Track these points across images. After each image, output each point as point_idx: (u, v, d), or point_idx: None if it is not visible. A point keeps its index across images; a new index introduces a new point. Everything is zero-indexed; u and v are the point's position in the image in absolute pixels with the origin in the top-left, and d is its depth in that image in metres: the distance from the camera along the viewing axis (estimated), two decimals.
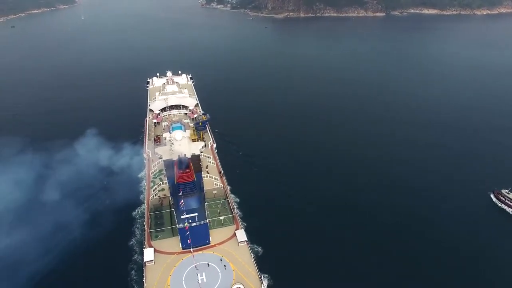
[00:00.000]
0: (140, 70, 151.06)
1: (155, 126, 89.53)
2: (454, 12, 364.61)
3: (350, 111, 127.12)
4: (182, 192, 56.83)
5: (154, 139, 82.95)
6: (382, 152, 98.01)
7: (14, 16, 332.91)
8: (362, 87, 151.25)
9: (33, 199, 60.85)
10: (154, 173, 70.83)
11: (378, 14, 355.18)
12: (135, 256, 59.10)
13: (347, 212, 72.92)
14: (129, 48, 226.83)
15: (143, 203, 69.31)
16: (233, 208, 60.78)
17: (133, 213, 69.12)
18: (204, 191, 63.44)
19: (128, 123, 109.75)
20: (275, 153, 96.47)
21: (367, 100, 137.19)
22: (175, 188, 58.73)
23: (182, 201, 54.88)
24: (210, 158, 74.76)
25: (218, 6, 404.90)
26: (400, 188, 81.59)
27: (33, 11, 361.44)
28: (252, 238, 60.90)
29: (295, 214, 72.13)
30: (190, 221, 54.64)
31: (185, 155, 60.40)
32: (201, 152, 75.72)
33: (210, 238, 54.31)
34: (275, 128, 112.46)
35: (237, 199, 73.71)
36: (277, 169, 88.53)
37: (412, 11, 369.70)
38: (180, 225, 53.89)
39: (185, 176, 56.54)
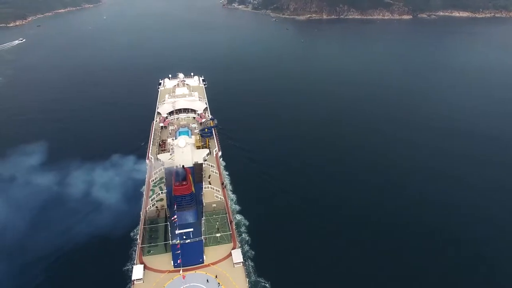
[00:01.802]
0: (156, 70, 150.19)
1: (162, 130, 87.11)
2: (488, 15, 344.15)
3: (377, 119, 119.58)
4: (177, 206, 53.59)
5: (159, 144, 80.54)
6: (418, 164, 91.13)
7: (42, 15, 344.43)
8: (386, 94, 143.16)
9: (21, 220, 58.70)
10: (154, 181, 68.00)
11: (404, 16, 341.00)
12: (129, 286, 51.52)
13: (375, 239, 65.80)
14: (146, 48, 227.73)
15: None
16: (231, 223, 56.73)
17: (131, 234, 61.85)
18: (204, 203, 60.25)
19: (139, 126, 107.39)
20: (293, 165, 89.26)
21: (394, 107, 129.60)
22: (172, 200, 55.63)
23: (175, 216, 51.65)
24: (213, 167, 71.15)
25: (239, 6, 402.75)
26: (434, 204, 75.11)
27: (59, 10, 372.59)
28: (254, 266, 56.77)
29: (307, 239, 64.05)
30: (184, 237, 51.21)
31: (182, 166, 57.24)
32: (205, 160, 72.50)
33: (204, 256, 50.55)
34: (293, 135, 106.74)
35: (246, 222, 66.86)
36: (294, 182, 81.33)
37: (442, 13, 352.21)
38: (174, 241, 50.54)
39: (181, 188, 53.37)
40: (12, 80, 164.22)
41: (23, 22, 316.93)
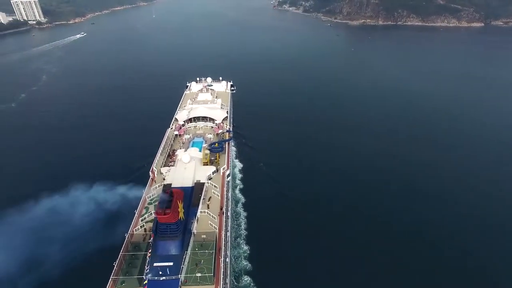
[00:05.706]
0: (189, 72, 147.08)
1: (175, 138, 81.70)
2: None
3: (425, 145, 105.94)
4: (159, 234, 46.79)
5: (169, 154, 75.00)
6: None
7: (100, 13, 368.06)
8: (444, 119, 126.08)
9: None
10: (151, 197, 62.08)
11: (474, 24, 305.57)
12: None
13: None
14: (188, 47, 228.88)
15: None
16: (217, 254, 48.36)
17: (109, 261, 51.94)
18: (195, 232, 52.80)
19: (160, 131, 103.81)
20: (335, 206, 78.10)
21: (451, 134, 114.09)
22: (156, 225, 49.02)
23: (150, 250, 44.97)
24: (217, 188, 63.32)
25: (290, 8, 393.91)
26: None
27: (116, 8, 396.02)
28: None
29: None
30: (160, 272, 44.36)
31: (170, 191, 50.05)
32: (210, 179, 65.17)
33: None
34: (323, 157, 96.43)
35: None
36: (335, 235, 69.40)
37: None
38: (149, 276, 43.92)
39: (163, 217, 46.38)
40: (53, 78, 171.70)
41: (82, 20, 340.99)
